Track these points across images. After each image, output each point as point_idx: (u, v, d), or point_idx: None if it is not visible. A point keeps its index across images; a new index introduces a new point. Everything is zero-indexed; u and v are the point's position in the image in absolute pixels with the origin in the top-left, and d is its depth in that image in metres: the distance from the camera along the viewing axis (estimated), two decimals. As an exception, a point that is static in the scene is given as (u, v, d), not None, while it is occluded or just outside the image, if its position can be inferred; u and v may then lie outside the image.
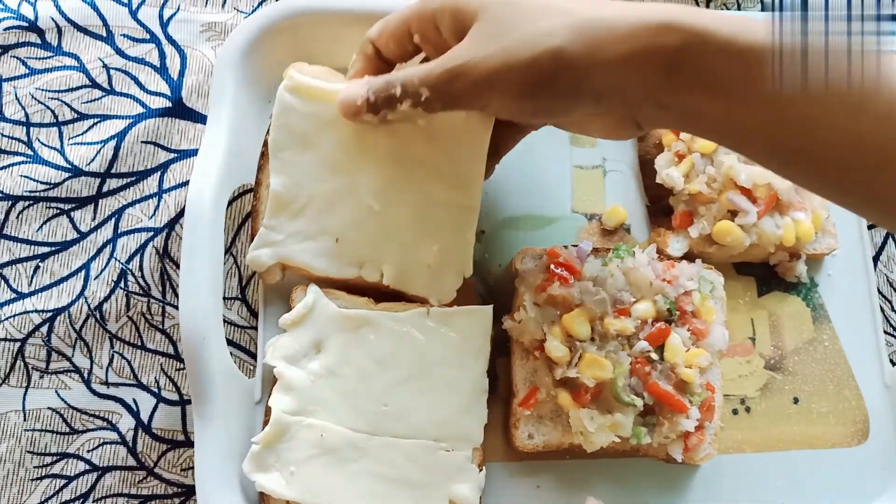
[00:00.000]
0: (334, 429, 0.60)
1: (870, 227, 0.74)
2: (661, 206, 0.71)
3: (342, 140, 0.61)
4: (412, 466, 0.60)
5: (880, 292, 0.72)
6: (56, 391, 0.65)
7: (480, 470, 0.62)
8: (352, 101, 0.56)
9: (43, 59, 0.72)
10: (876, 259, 0.74)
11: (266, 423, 0.60)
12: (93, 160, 0.70)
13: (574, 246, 0.66)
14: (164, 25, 0.74)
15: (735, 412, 0.68)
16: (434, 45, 0.55)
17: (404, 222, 0.62)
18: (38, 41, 0.73)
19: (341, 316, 0.62)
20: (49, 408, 0.65)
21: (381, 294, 0.64)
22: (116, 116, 0.71)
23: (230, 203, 0.69)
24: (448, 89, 0.51)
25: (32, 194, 0.69)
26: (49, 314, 0.66)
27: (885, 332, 0.71)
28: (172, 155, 0.71)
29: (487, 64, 0.49)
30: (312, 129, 0.61)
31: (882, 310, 0.71)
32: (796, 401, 0.68)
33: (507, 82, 0.49)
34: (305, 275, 0.62)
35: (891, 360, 0.70)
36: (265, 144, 0.64)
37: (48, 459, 0.64)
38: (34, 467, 0.64)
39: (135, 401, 0.66)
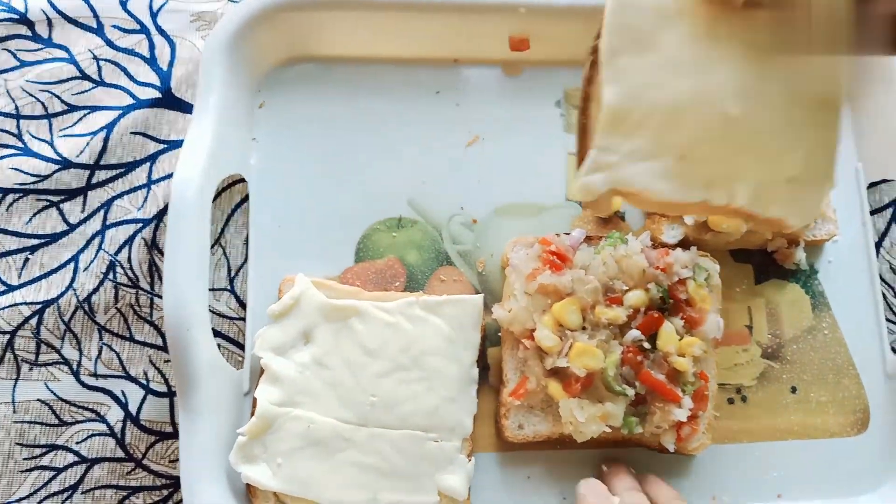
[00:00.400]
0: (321, 420, 0.60)
1: (873, 213, 0.72)
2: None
3: (691, 34, 0.50)
4: (400, 457, 0.60)
5: (883, 279, 0.70)
6: (45, 383, 0.65)
7: (469, 460, 0.61)
8: None
9: (33, 51, 0.72)
10: (879, 245, 0.72)
11: (253, 414, 0.60)
12: (82, 152, 0.69)
13: (567, 234, 0.65)
14: (153, 16, 0.74)
15: (731, 401, 0.66)
16: None
17: (766, 128, 0.50)
18: (29, 33, 0.73)
19: (329, 306, 0.62)
20: (38, 399, 0.65)
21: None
22: (106, 108, 0.71)
23: (219, 194, 0.69)
24: None
25: (22, 187, 0.68)
26: (38, 306, 0.66)
27: (888, 320, 0.69)
28: (161, 146, 0.70)
29: None
30: (654, 25, 0.50)
31: (885, 297, 0.70)
32: (794, 390, 0.67)
33: None
34: (643, 202, 0.51)
35: (893, 349, 0.68)
36: (594, 51, 0.51)
37: (37, 451, 0.64)
38: (23, 459, 0.64)
39: (123, 392, 0.65)
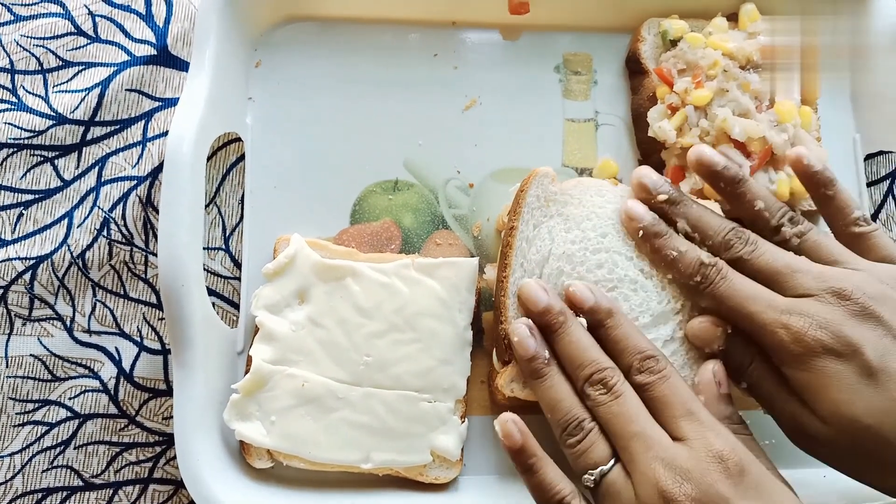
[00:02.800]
0: (315, 378, 0.60)
1: (869, 185, 0.72)
2: (653, 160, 0.69)
3: None
4: (394, 417, 0.60)
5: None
6: (38, 338, 0.65)
7: (463, 422, 0.61)
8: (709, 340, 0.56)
9: (28, 5, 0.72)
10: (874, 218, 0.72)
11: (247, 372, 0.60)
12: (77, 108, 0.69)
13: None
14: (150, -28, 0.73)
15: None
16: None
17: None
18: (24, -12, 0.72)
19: (324, 266, 0.62)
20: (31, 355, 0.65)
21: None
22: (101, 64, 0.70)
23: (215, 152, 0.69)
24: (791, 436, 0.54)
25: (16, 142, 0.68)
26: (32, 262, 0.66)
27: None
28: (157, 103, 0.70)
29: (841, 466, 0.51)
30: None
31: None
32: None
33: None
34: None
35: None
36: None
37: (30, 406, 0.64)
38: (16, 413, 0.64)
39: (117, 349, 0.65)
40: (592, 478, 0.50)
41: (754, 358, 0.54)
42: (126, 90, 0.70)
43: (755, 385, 0.54)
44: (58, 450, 0.64)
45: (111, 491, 0.64)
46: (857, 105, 0.73)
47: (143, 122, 0.69)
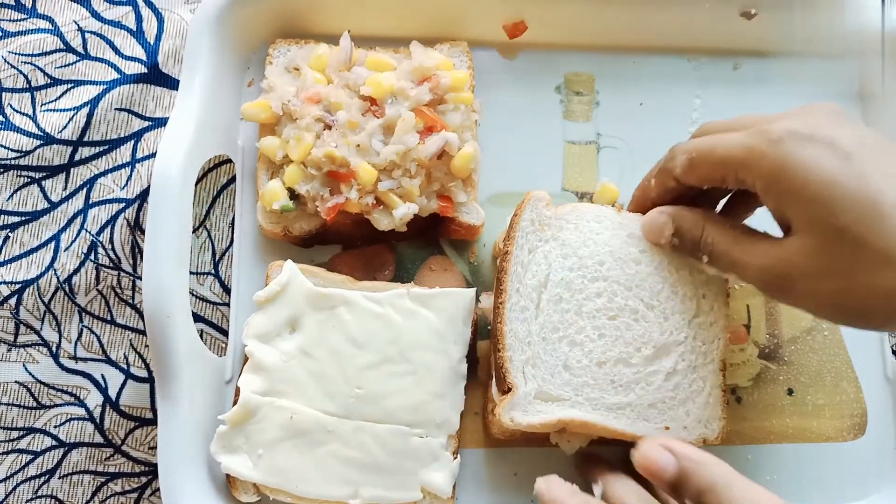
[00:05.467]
0: (305, 411, 0.58)
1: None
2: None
3: None
4: (384, 452, 0.58)
5: (886, 280, 0.68)
6: (24, 365, 0.64)
7: (455, 458, 0.60)
8: (658, 231, 0.57)
9: (17, 21, 0.70)
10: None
11: (235, 403, 0.59)
12: (65, 127, 0.67)
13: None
14: (141, -13, 0.71)
15: (725, 402, 0.64)
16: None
17: None
18: (12, 2, 0.70)
19: (317, 294, 0.60)
20: (16, 381, 0.64)
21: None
22: (90, 82, 0.69)
23: (205, 175, 0.67)
24: (764, 283, 0.51)
25: (3, 162, 0.66)
26: (18, 286, 0.65)
27: (890, 322, 0.67)
28: (147, 123, 0.68)
29: (816, 292, 0.48)
30: None
31: (887, 298, 0.68)
32: (791, 392, 0.65)
33: (828, 311, 0.49)
34: None
35: (893, 352, 0.67)
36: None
37: (14, 434, 0.63)
38: (1, 441, 0.63)
39: (103, 377, 0.64)
40: None
41: (704, 226, 0.54)
42: (115, 109, 0.68)
43: (715, 253, 0.54)
44: (42, 479, 0.62)
45: (96, 521, 0.63)
46: (868, 123, 0.71)
47: (133, 142, 0.68)
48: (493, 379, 0.60)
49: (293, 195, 0.62)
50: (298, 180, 0.61)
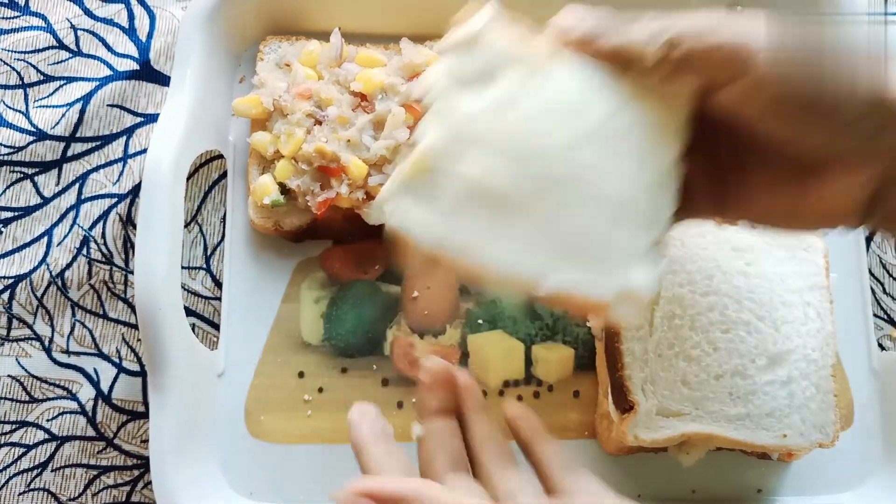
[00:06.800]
0: (495, 175, 0.44)
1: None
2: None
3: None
4: (584, 239, 0.45)
5: (871, 273, 0.69)
6: (16, 358, 0.64)
7: (664, 257, 0.47)
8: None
9: (10, 18, 0.70)
10: (869, 240, 0.70)
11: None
12: (57, 123, 0.68)
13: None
14: (133, -15, 0.72)
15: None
16: None
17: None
18: (6, 0, 0.71)
19: (525, 46, 0.46)
20: (9, 375, 0.64)
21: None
22: (83, 79, 0.69)
23: (197, 170, 0.68)
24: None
25: (-4, 158, 0.67)
26: (10, 280, 0.65)
27: (875, 315, 0.68)
28: (139, 119, 0.69)
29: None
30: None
31: (873, 292, 0.68)
32: (778, 384, 0.66)
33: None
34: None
35: (879, 345, 0.67)
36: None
37: (7, 427, 0.63)
38: (-7, 435, 0.63)
39: (95, 370, 0.64)
40: None
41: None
42: (108, 105, 0.69)
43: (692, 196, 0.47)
44: (35, 472, 0.63)
45: (89, 514, 0.63)
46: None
47: (125, 138, 0.68)
48: (610, 398, 0.60)
49: (284, 190, 0.62)
50: (289, 175, 0.62)
